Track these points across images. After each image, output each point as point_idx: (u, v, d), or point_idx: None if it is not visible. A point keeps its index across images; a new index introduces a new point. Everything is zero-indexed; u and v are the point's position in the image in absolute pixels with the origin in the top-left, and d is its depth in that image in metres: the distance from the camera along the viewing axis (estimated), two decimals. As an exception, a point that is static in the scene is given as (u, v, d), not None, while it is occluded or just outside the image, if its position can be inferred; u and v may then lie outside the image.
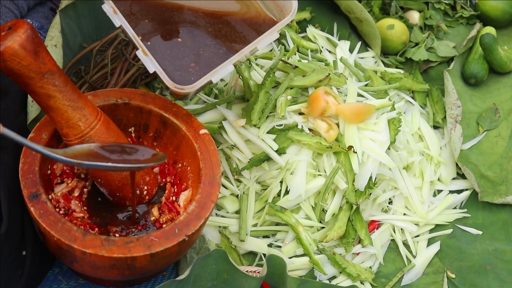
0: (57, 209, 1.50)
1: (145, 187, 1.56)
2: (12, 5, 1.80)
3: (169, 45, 1.55)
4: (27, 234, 1.50)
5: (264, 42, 1.52)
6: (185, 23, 1.59)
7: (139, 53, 1.47)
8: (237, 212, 1.74)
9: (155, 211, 1.57)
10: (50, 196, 1.51)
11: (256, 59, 1.88)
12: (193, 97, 1.73)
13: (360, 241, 1.74)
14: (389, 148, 1.76)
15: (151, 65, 1.47)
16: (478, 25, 2.11)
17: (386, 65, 2.06)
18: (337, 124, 1.74)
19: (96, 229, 1.52)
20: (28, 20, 1.83)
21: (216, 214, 1.74)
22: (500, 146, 1.93)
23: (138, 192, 1.55)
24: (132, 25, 1.52)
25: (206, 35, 1.58)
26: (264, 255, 1.72)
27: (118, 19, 1.48)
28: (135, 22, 1.54)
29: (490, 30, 2.09)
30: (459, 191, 1.90)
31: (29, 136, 1.49)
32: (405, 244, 1.81)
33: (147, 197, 1.57)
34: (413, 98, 2.01)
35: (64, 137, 1.45)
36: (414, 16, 2.10)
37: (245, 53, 1.51)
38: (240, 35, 1.59)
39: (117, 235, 1.52)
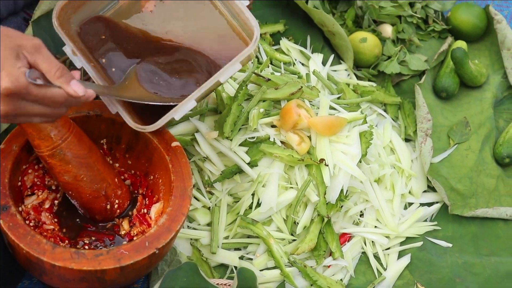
0: (27, 221, 1.50)
1: (117, 201, 1.56)
2: (-16, 16, 1.80)
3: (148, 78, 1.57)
4: (-4, 246, 1.49)
5: (227, 75, 1.51)
6: (148, 58, 1.59)
7: (103, 97, 1.51)
8: (209, 224, 1.74)
9: (125, 224, 1.57)
10: (20, 208, 1.50)
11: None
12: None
13: (331, 254, 1.75)
14: (360, 161, 1.77)
15: (113, 108, 1.51)
16: (449, 39, 2.13)
17: (358, 78, 2.07)
18: (309, 137, 1.75)
19: (66, 241, 1.52)
20: (1, 30, 1.82)
21: (188, 226, 1.75)
22: (470, 160, 1.95)
23: (109, 206, 1.55)
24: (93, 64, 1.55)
25: (165, 72, 1.57)
26: (235, 267, 1.72)
27: (79, 61, 1.53)
28: (97, 57, 1.57)
29: (461, 44, 2.11)
30: (429, 204, 1.92)
31: None
32: (376, 257, 1.82)
33: (118, 211, 1.57)
34: (385, 111, 2.02)
35: (36, 149, 1.45)
36: (387, 30, 2.12)
37: (207, 87, 1.50)
38: (207, 64, 1.59)
39: (87, 247, 1.52)
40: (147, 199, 1.61)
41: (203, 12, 1.63)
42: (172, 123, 1.69)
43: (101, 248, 1.51)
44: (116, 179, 1.55)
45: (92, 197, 1.51)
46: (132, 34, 1.60)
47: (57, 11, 1.52)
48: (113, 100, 1.50)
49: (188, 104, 1.50)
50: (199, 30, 1.62)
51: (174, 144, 1.57)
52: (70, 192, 1.52)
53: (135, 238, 1.52)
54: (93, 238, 1.53)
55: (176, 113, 1.50)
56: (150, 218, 1.57)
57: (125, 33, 1.60)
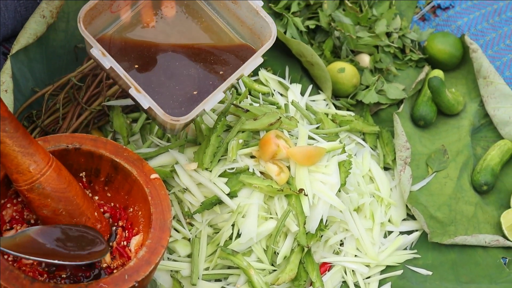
0: (6, 256, 1.49)
1: None
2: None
3: (156, 81, 1.61)
4: (-25, 281, 1.48)
5: (250, 68, 1.62)
6: (167, 58, 1.65)
7: (132, 91, 1.52)
8: (189, 255, 1.75)
9: (107, 257, 1.57)
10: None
11: (208, 103, 1.90)
12: (183, 129, 1.76)
13: (311, 284, 1.75)
14: (339, 191, 1.78)
15: (145, 101, 1.53)
16: (426, 68, 2.16)
17: (337, 107, 2.08)
18: (288, 167, 1.76)
19: (45, 275, 1.51)
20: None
21: (168, 258, 1.74)
22: (448, 187, 1.96)
23: None
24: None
25: (191, 64, 1.65)
26: (216, 299, 1.72)
27: (108, 61, 1.53)
28: (118, 61, 1.57)
29: (438, 73, 2.13)
30: (409, 232, 1.93)
31: None
32: (357, 286, 1.82)
33: None
34: (364, 140, 2.04)
35: (14, 183, 1.45)
36: (365, 59, 2.14)
37: (233, 80, 1.60)
38: (223, 62, 1.67)
39: (65, 281, 1.51)
40: (127, 231, 1.61)
41: (204, 21, 1.70)
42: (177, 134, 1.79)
43: (80, 282, 1.51)
44: (95, 213, 1.55)
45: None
46: (142, 46, 1.65)
47: (82, 16, 1.53)
48: (145, 95, 1.53)
49: (217, 96, 1.58)
50: (202, 39, 1.71)
51: (153, 176, 1.58)
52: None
53: (115, 271, 1.52)
54: (72, 272, 1.52)
55: (206, 105, 1.57)
56: (130, 250, 1.57)
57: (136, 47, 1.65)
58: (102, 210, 1.62)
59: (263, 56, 2.06)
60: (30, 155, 1.42)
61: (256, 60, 1.63)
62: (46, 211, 1.47)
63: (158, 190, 1.56)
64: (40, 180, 1.44)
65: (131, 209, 1.62)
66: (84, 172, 1.63)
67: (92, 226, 1.54)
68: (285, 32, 2.07)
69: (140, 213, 1.59)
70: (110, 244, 1.59)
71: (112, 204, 1.64)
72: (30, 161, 1.43)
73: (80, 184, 1.61)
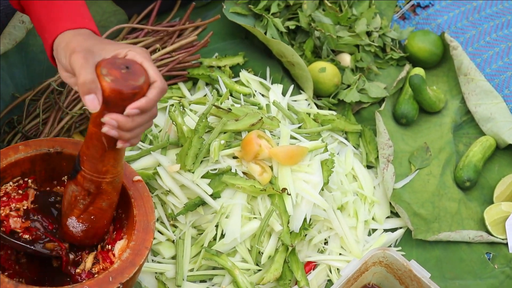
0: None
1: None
2: None
3: None
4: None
5: None
6: None
7: None
8: (174, 257, 1.74)
9: (90, 258, 1.56)
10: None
11: (190, 104, 1.90)
12: None
13: (296, 283, 1.75)
14: (322, 189, 1.78)
15: None
16: (407, 66, 2.17)
17: (319, 107, 2.08)
18: (271, 167, 1.76)
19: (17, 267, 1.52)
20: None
21: (152, 260, 1.74)
22: (431, 184, 1.97)
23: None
24: None
25: None
26: (202, 300, 1.72)
27: None
28: None
29: (419, 71, 2.14)
30: (393, 230, 1.93)
31: None
32: (342, 284, 1.82)
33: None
34: (346, 139, 2.04)
35: (102, 174, 1.44)
36: (346, 59, 2.14)
37: None
38: None
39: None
40: (115, 232, 1.60)
41: None
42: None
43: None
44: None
45: (107, 222, 1.53)
46: None
47: None
48: None
49: None
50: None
51: (136, 178, 1.57)
52: (90, 219, 1.51)
53: (96, 276, 1.50)
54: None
55: None
56: (114, 255, 1.56)
57: None
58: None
59: (243, 57, 2.08)
60: (123, 154, 1.45)
61: None
62: (105, 203, 1.48)
63: (141, 192, 1.56)
64: (120, 175, 1.47)
65: (115, 212, 1.61)
66: (66, 176, 1.62)
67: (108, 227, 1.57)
68: (265, 33, 2.07)
69: (123, 215, 1.58)
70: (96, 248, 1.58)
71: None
72: (123, 158, 1.45)
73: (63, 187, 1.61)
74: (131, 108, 1.30)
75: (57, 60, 1.37)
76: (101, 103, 1.29)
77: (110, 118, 1.31)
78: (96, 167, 1.42)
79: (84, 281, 1.46)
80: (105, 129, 1.32)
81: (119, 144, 1.36)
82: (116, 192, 1.49)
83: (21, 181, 1.57)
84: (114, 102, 1.31)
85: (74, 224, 1.51)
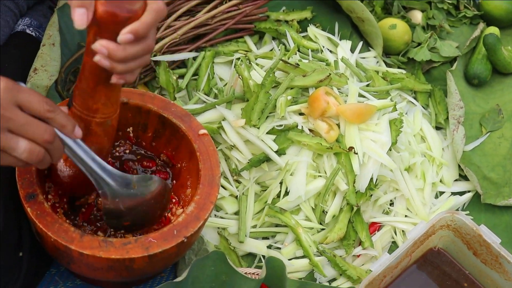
0: (49, 203, 1.47)
1: None
2: (13, 4, 1.79)
3: None
4: (23, 235, 1.48)
5: None
6: None
7: None
8: (236, 213, 1.73)
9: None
10: (47, 197, 1.49)
11: (256, 59, 1.87)
12: None
13: (360, 243, 1.73)
14: (390, 149, 1.74)
15: None
16: (481, 25, 2.10)
17: (388, 65, 2.04)
18: (338, 125, 1.72)
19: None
20: (27, 19, 1.82)
21: (215, 215, 1.73)
22: (503, 148, 1.91)
23: None
24: None
25: None
26: (263, 256, 1.70)
27: None
28: None
29: (493, 30, 2.07)
30: (461, 193, 1.89)
31: None
32: (407, 246, 1.79)
33: None
34: (415, 98, 1.99)
35: (92, 113, 1.36)
36: (417, 16, 2.08)
37: None
38: None
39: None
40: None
41: None
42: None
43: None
44: None
45: None
46: None
47: None
48: None
49: None
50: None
51: (201, 132, 1.55)
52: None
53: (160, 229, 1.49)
54: None
55: None
56: (169, 218, 1.55)
57: None
58: (150, 165, 1.61)
59: (311, 12, 2.03)
60: (117, 93, 1.37)
61: None
62: (94, 147, 1.39)
63: (207, 146, 1.54)
64: (112, 117, 1.39)
65: (178, 165, 1.60)
66: (131, 127, 1.61)
67: None
68: (335, -12, 2.02)
69: (188, 169, 1.57)
70: None
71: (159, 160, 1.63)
72: (117, 98, 1.38)
73: (128, 139, 1.60)
74: (123, 34, 1.21)
75: None
76: (92, 24, 1.21)
77: (101, 45, 1.21)
78: (87, 103, 1.34)
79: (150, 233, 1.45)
80: (96, 58, 1.23)
81: (113, 79, 1.27)
82: (107, 137, 1.41)
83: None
84: (106, 25, 1.22)
85: (62, 168, 1.45)
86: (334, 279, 1.71)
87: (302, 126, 1.71)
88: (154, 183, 1.42)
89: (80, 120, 1.35)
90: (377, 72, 1.95)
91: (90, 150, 1.33)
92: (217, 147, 1.73)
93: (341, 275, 1.70)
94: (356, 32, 2.06)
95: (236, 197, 1.74)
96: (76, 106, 1.35)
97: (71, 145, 1.27)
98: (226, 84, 1.86)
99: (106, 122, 1.38)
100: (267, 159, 1.69)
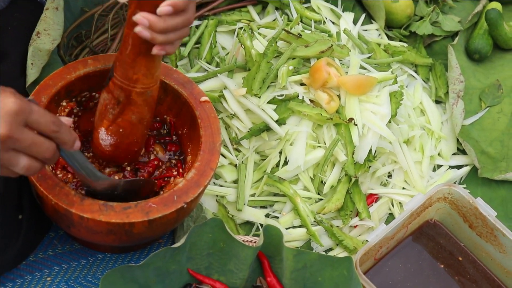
0: (54, 170, 1.49)
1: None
2: (16, -32, 1.78)
3: None
4: (24, 197, 1.49)
5: None
6: None
7: None
8: (235, 181, 1.74)
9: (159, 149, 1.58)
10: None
11: (258, 28, 1.87)
12: None
13: (358, 214, 1.74)
14: (390, 122, 1.75)
15: None
16: (484, 0, 2.09)
17: (390, 38, 2.04)
18: (338, 96, 1.72)
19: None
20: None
21: (214, 183, 1.74)
22: (501, 123, 1.92)
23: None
24: None
25: None
26: (261, 225, 1.71)
27: None
28: None
29: (496, 5, 2.07)
30: (459, 167, 1.89)
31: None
32: (403, 218, 1.80)
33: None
34: (416, 72, 1.99)
35: (133, 83, 1.39)
36: (420, -11, 2.08)
37: None
38: None
39: None
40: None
41: None
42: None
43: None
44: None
45: (138, 139, 1.49)
46: None
47: None
48: None
49: None
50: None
51: (203, 98, 1.55)
52: (119, 132, 1.47)
53: (161, 194, 1.51)
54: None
55: None
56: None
57: None
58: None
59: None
60: (158, 64, 1.40)
61: None
62: (135, 116, 1.44)
63: (208, 113, 1.54)
64: (152, 88, 1.42)
65: (180, 131, 1.60)
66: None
67: (139, 146, 1.53)
68: (338, -41, 2.02)
69: (189, 135, 1.58)
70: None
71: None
72: (157, 69, 1.41)
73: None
74: (163, 6, 1.25)
75: None
76: None
77: (142, 17, 1.26)
78: (127, 74, 1.38)
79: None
80: (137, 29, 1.27)
81: (154, 50, 1.31)
82: (147, 107, 1.44)
83: (88, 95, 1.57)
84: None
85: (103, 137, 1.47)
86: (330, 249, 1.73)
87: (303, 97, 1.71)
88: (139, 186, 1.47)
89: (121, 90, 1.40)
90: (379, 44, 1.95)
91: (83, 156, 1.34)
92: (217, 116, 1.74)
93: (337, 245, 1.72)
94: (358, 4, 2.05)
95: (236, 165, 1.74)
96: (117, 77, 1.39)
97: (67, 153, 1.29)
98: (228, 53, 1.86)
99: (147, 93, 1.42)
100: (267, 129, 1.70)
